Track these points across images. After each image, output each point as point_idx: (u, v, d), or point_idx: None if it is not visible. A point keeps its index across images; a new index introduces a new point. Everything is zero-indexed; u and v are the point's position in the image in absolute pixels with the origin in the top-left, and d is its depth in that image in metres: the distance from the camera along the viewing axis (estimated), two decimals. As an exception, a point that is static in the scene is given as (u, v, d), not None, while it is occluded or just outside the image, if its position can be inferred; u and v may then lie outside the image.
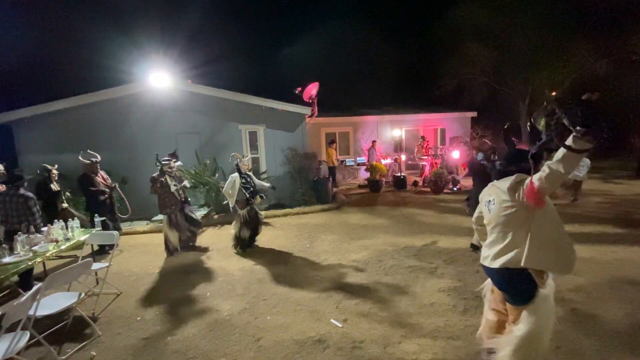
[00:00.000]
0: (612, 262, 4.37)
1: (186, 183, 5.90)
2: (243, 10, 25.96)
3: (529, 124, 1.97)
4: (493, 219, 2.15)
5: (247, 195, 5.28)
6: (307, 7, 29.48)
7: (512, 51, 15.76)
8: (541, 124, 1.86)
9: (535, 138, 1.93)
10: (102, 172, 5.95)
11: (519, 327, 2.03)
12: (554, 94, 16.46)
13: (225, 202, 7.87)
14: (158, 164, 5.46)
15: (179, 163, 7.78)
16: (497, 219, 2.12)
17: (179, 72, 9.36)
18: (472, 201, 5.21)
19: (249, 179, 5.41)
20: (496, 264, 2.08)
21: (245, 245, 5.42)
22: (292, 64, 19.96)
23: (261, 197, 5.68)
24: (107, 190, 5.83)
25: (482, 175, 4.96)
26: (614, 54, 14.14)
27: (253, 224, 5.44)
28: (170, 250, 5.43)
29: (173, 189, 5.40)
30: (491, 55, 15.93)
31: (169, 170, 5.49)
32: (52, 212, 5.52)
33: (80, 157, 5.85)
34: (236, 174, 5.34)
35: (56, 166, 5.86)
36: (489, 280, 2.39)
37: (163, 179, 5.34)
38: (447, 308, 3.39)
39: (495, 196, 2.16)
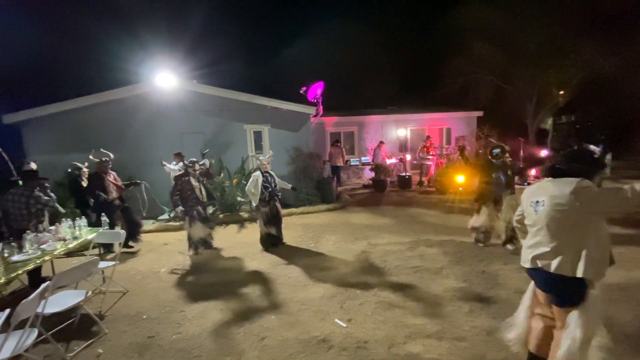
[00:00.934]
0: (621, 263, 4.29)
1: (206, 162, 5.93)
2: (248, 11, 26.05)
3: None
4: (540, 221, 2.04)
5: (266, 194, 5.31)
6: (312, 6, 29.50)
7: (519, 49, 15.55)
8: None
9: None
10: (113, 173, 5.84)
11: (570, 331, 1.92)
12: (561, 93, 16.32)
13: (231, 201, 8.01)
14: (186, 163, 5.50)
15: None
16: (545, 220, 2.00)
17: (184, 73, 9.43)
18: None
19: (270, 179, 5.44)
20: (549, 269, 1.98)
21: (271, 243, 5.48)
22: (297, 64, 19.97)
23: (294, 189, 5.96)
24: (112, 193, 5.66)
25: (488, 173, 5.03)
26: (623, 52, 13.92)
27: (274, 221, 5.47)
28: (195, 247, 5.42)
29: (196, 190, 5.39)
30: (497, 54, 15.73)
31: (193, 171, 5.46)
32: (84, 209, 5.54)
33: (91, 156, 5.85)
34: (258, 172, 5.37)
35: (86, 164, 5.82)
36: (531, 284, 2.27)
37: (186, 179, 5.38)
38: (452, 309, 3.37)
39: (546, 197, 2.01)
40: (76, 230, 4.34)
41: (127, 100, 8.27)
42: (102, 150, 5.98)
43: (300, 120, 9.19)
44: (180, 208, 5.34)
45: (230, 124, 8.87)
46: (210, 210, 5.79)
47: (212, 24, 22.16)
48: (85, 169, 5.78)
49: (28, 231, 3.89)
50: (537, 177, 11.08)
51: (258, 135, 9.14)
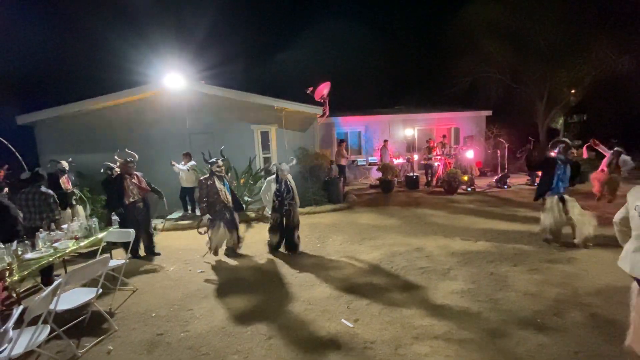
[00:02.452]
0: (634, 265, 4.21)
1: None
2: (254, 12, 26.18)
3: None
4: None
5: (276, 202, 5.17)
6: (319, 6, 29.51)
7: (529, 48, 15.32)
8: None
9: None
10: (137, 174, 5.50)
11: None
12: (573, 91, 16.02)
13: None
14: (206, 163, 5.23)
15: (192, 162, 7.89)
16: None
17: (192, 74, 9.53)
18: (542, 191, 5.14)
19: (284, 187, 5.18)
20: None
21: (273, 248, 5.37)
22: (304, 64, 20.00)
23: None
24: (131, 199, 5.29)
25: (550, 170, 4.98)
26: (636, 50, 13.61)
27: (279, 228, 5.30)
28: (213, 252, 5.23)
29: (221, 193, 5.10)
30: (507, 52, 15.50)
31: (218, 170, 5.17)
32: (117, 207, 5.46)
33: (115, 156, 5.77)
34: (273, 178, 5.22)
35: (118, 163, 5.73)
36: (634, 284, 2.22)
37: (211, 182, 5.07)
38: (460, 310, 3.34)
39: None
40: (87, 229, 4.43)
41: (137, 101, 8.39)
42: (127, 150, 5.88)
43: (307, 120, 9.21)
44: (208, 216, 5.05)
45: (237, 124, 8.94)
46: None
47: (220, 26, 22.34)
48: (117, 169, 5.72)
49: (41, 229, 3.98)
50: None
51: (265, 136, 9.19)
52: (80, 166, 7.12)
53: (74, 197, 6.19)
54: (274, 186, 5.17)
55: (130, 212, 5.21)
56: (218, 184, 5.10)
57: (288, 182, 5.24)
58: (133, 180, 5.37)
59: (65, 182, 6.07)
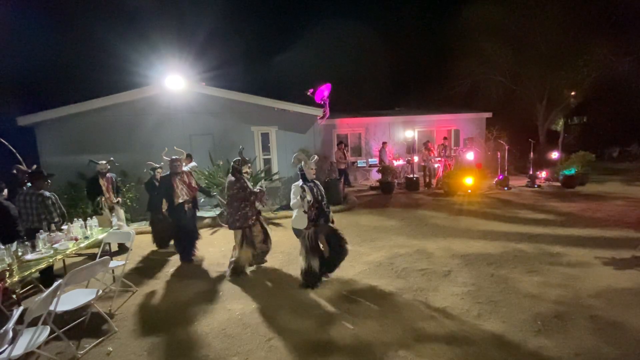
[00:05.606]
0: (635, 267, 4.21)
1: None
2: (255, 13, 26.26)
3: None
4: None
5: (313, 213, 3.92)
6: (319, 8, 29.59)
7: (529, 49, 15.36)
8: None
9: None
10: (186, 172, 5.14)
11: None
12: (573, 93, 16.04)
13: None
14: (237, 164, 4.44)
15: (193, 164, 7.89)
16: None
17: (193, 75, 9.55)
18: None
19: (315, 190, 3.99)
20: None
21: (315, 280, 4.00)
22: (305, 66, 20.04)
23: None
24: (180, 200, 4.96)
25: None
26: (636, 52, 13.64)
27: (319, 249, 4.00)
28: (238, 272, 4.45)
29: (252, 196, 4.40)
30: (507, 54, 15.56)
31: (248, 171, 4.50)
32: (155, 212, 5.48)
33: (163, 155, 5.36)
34: (300, 183, 3.98)
35: (162, 163, 5.56)
36: None
37: (239, 184, 4.35)
38: (460, 312, 3.33)
39: None
40: (87, 230, 4.43)
41: (137, 103, 8.40)
42: (175, 148, 5.64)
43: (308, 122, 9.23)
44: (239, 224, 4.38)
45: (238, 126, 8.95)
46: (217, 211, 5.46)
47: (220, 27, 22.41)
48: (160, 169, 5.64)
49: (41, 230, 3.98)
50: (547, 180, 10.92)
51: (266, 137, 9.20)
52: (81, 167, 7.12)
53: (116, 200, 5.74)
54: (308, 194, 3.89)
55: (179, 213, 4.92)
56: (248, 184, 4.44)
57: (318, 183, 4.14)
58: (183, 179, 5.01)
59: (106, 184, 5.56)
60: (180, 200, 4.93)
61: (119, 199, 5.94)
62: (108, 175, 5.74)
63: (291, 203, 3.97)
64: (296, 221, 3.99)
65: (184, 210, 4.99)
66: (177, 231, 5.09)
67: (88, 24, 18.08)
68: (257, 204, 4.52)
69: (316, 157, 4.18)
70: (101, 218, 5.23)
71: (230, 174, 4.51)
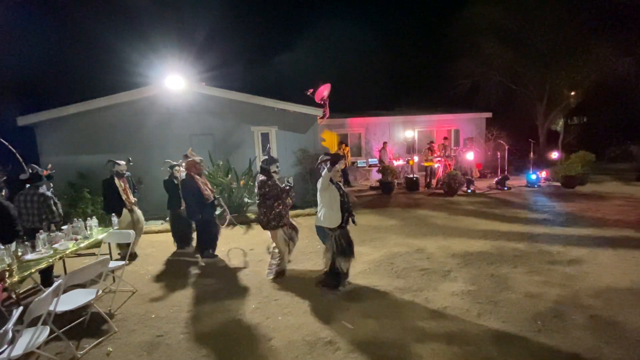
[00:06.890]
0: (634, 267, 4.21)
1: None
2: (255, 14, 26.26)
3: None
4: None
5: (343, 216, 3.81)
6: (320, 8, 29.59)
7: (529, 50, 15.37)
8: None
9: None
10: (203, 175, 5.16)
11: None
12: (573, 93, 16.05)
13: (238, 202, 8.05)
14: (265, 164, 4.35)
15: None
16: None
17: (193, 75, 9.55)
18: None
19: (341, 191, 3.87)
20: None
21: (338, 282, 3.89)
22: (304, 66, 20.05)
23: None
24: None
25: None
26: (636, 52, 13.64)
27: (350, 250, 3.89)
28: (283, 273, 4.40)
29: (284, 194, 4.34)
30: (507, 54, 15.56)
31: (277, 170, 4.38)
32: (177, 206, 5.50)
33: (188, 154, 5.22)
34: (326, 172, 3.83)
35: (181, 161, 5.48)
36: None
37: (271, 182, 4.24)
38: (460, 312, 3.33)
39: None
40: (87, 230, 4.44)
41: (138, 103, 8.40)
42: (191, 151, 5.44)
43: (308, 122, 9.23)
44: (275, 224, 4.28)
45: (238, 126, 8.96)
46: (217, 211, 5.40)
47: (221, 28, 22.40)
48: (178, 167, 5.58)
49: (41, 230, 3.98)
50: (547, 180, 10.92)
51: (265, 137, 9.20)
52: (81, 167, 7.12)
53: (134, 200, 5.53)
54: (337, 195, 3.76)
55: (209, 212, 5.03)
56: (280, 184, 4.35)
57: (340, 185, 3.96)
58: (203, 181, 5.09)
59: (124, 185, 5.40)
60: (209, 200, 5.05)
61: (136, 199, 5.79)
62: (125, 177, 5.60)
63: (320, 184, 3.79)
64: (327, 219, 3.79)
65: (213, 208, 5.11)
66: (205, 229, 5.16)
67: (88, 24, 18.08)
68: (288, 200, 4.43)
69: (343, 159, 3.97)
70: (121, 219, 5.14)
71: (259, 174, 4.43)
